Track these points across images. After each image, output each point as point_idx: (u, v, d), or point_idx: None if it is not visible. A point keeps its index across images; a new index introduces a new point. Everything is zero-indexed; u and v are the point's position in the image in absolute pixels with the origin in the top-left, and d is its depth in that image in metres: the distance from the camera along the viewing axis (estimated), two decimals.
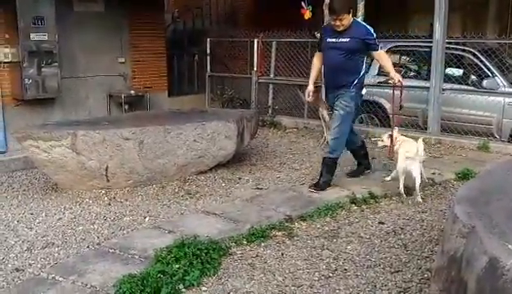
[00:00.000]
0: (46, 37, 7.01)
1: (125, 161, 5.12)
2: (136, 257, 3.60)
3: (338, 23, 4.76)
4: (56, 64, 7.25)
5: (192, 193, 5.15)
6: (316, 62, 5.19)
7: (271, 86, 9.23)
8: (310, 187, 4.96)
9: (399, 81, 4.91)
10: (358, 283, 3.30)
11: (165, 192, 5.21)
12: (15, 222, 4.42)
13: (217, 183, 5.51)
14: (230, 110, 7.81)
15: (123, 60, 8.41)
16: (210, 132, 5.60)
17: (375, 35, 4.88)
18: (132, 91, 8.39)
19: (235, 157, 6.03)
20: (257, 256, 3.71)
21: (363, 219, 4.42)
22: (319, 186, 4.94)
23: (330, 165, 5.00)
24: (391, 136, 5.05)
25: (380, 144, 5.34)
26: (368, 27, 4.90)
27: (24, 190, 5.36)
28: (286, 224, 4.23)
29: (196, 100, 9.69)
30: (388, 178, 5.19)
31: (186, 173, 5.58)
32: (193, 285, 3.28)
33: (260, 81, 9.18)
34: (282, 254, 3.74)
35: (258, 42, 8.99)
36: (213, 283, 3.33)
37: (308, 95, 5.18)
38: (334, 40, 4.87)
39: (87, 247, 3.91)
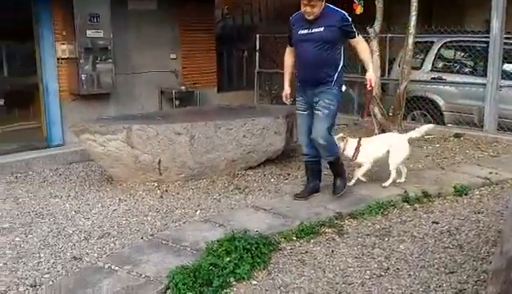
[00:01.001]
0: (101, 34, 7.23)
1: (177, 155, 5.22)
2: (188, 249, 3.67)
3: (308, 9, 4.25)
4: (110, 60, 7.46)
5: (241, 188, 5.19)
6: (289, 59, 4.68)
7: None
8: (334, 193, 4.61)
9: (371, 86, 4.54)
10: (411, 283, 3.24)
11: (215, 186, 5.28)
12: (73, 212, 4.60)
13: (266, 178, 5.53)
14: (278, 106, 7.78)
15: (174, 56, 8.57)
16: (260, 128, 5.63)
17: (350, 20, 4.39)
18: (183, 87, 8.54)
19: (284, 153, 6.03)
20: (306, 252, 3.71)
21: (416, 218, 4.32)
22: (341, 189, 4.60)
23: (336, 165, 4.63)
24: (344, 138, 4.88)
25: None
26: (342, 12, 4.39)
27: (81, 182, 5.56)
28: (336, 221, 4.19)
29: (245, 96, 9.75)
30: (387, 183, 4.87)
31: (236, 168, 5.63)
32: (243, 278, 3.31)
33: None
34: (332, 251, 3.72)
35: None
36: (263, 278, 3.35)
37: (286, 98, 4.77)
38: (306, 31, 4.37)
39: (141, 238, 4.01)
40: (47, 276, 3.37)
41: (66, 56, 7.17)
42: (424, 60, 7.96)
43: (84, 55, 7.16)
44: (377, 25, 7.19)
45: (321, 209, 4.41)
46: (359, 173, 4.93)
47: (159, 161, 5.20)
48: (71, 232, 4.13)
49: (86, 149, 5.60)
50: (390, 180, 4.85)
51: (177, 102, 8.35)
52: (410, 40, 6.99)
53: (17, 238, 3.99)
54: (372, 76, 4.53)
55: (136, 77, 8.15)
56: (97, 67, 7.34)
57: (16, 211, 4.63)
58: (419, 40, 7.58)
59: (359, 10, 7.07)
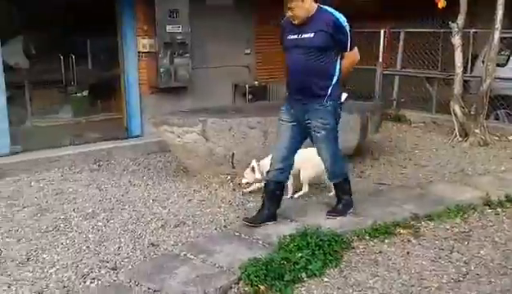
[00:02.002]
0: (180, 29, 7.42)
1: (250, 149, 5.27)
2: (260, 242, 3.72)
3: (289, 13, 3.78)
4: (187, 54, 7.65)
5: (315, 185, 5.16)
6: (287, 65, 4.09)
7: (396, 78, 8.90)
8: (328, 214, 4.15)
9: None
10: (492, 290, 3.09)
11: None
12: (151, 201, 4.78)
13: None
14: (351, 102, 7.64)
15: (248, 51, 8.65)
16: None
17: (347, 27, 3.75)
18: (256, 82, 8.61)
19: (357, 150, 5.93)
20: (380, 252, 3.63)
21: (498, 223, 4.11)
22: (338, 212, 4.15)
23: (343, 187, 4.19)
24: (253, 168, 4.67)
25: (244, 181, 4.83)
26: (338, 15, 3.76)
27: (159, 172, 5.78)
28: (412, 222, 4.07)
29: None
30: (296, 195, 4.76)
31: None
32: (315, 275, 3.30)
33: (385, 73, 8.89)
34: (407, 253, 3.62)
35: (384, 32, 8.71)
36: (334, 275, 3.33)
37: None
38: (295, 36, 3.80)
39: (215, 228, 4.11)
40: (126, 260, 3.54)
41: (146, 50, 7.43)
42: (509, 56, 7.52)
43: (163, 49, 7.38)
44: (460, 20, 6.87)
45: (396, 209, 4.30)
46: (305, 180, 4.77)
47: (233, 154, 5.28)
48: (149, 219, 4.30)
49: (164, 140, 5.80)
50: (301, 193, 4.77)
51: (250, 96, 8.43)
52: (496, 36, 6.62)
53: (99, 223, 4.22)
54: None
55: (211, 71, 8.30)
56: (175, 61, 7.55)
57: (99, 197, 4.89)
58: (505, 35, 7.16)
59: (441, 3, 6.79)
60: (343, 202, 4.20)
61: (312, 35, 3.72)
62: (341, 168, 4.15)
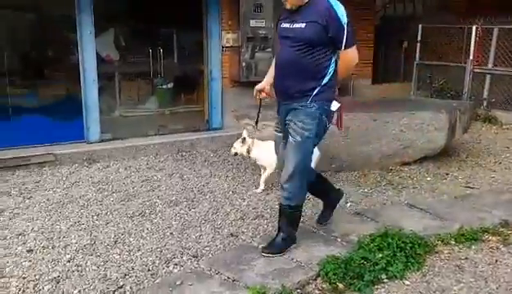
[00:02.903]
0: (263, 24, 7.47)
1: (330, 145, 5.21)
2: (339, 240, 3.67)
3: None
4: (269, 49, 7.69)
5: (395, 184, 5.02)
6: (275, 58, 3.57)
7: (488, 76, 8.41)
8: (263, 250, 3.46)
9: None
10: None
11: (366, 180, 5.18)
12: (230, 192, 4.87)
13: (421, 176, 5.28)
14: (438, 101, 7.37)
15: None
16: (419, 123, 5.37)
17: (345, 20, 3.18)
18: None
19: (443, 151, 5.68)
20: (466, 258, 3.46)
21: None
22: (274, 247, 3.45)
23: (291, 215, 3.47)
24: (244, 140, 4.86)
25: (233, 151, 5.04)
26: (336, 5, 3.19)
27: (238, 164, 5.86)
28: (501, 229, 3.86)
29: (401, 89, 9.36)
30: (261, 188, 4.86)
31: (389, 163, 5.45)
32: (396, 277, 3.22)
33: (475, 71, 8.43)
34: (496, 261, 3.43)
35: (476, 28, 8.25)
36: (416, 279, 3.22)
37: (255, 93, 3.66)
38: (287, 25, 3.32)
39: None
40: (207, 249, 3.63)
41: (230, 45, 7.55)
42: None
43: (246, 43, 7.48)
44: None
45: (484, 214, 4.08)
46: (263, 178, 4.80)
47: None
48: (228, 210, 4.38)
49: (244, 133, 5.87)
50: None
51: None
52: None
53: (182, 211, 4.36)
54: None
55: None
56: (257, 55, 7.61)
57: (181, 186, 5.05)
58: None
59: None
60: (282, 235, 3.46)
61: (303, 25, 3.21)
62: (300, 191, 3.42)
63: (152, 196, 4.73)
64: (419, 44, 9.41)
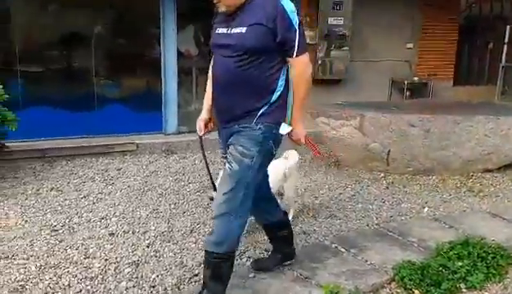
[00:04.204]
0: (341, 22, 7.38)
1: (408, 147, 5.08)
2: (415, 245, 3.57)
3: None
4: (346, 47, 7.59)
5: (475, 192, 4.81)
6: (211, 72, 2.88)
7: None
8: None
9: (298, 140, 2.84)
10: None
11: (446, 185, 5.00)
12: (303, 190, 4.85)
13: (505, 184, 5.02)
14: None
15: (411, 45, 8.28)
16: (505, 128, 5.09)
17: (296, 19, 2.58)
18: (416, 78, 8.22)
19: None
20: None
21: None
22: None
23: (217, 266, 2.69)
24: None
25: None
26: (286, 3, 2.57)
27: (310, 162, 5.84)
28: None
29: (483, 92, 8.91)
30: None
31: (470, 169, 5.23)
32: (475, 287, 3.09)
33: None
34: None
35: None
36: (497, 291, 3.09)
37: (199, 129, 2.95)
38: (224, 30, 2.68)
39: (367, 225, 4.04)
40: None
41: (306, 42, 7.51)
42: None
43: (323, 41, 7.43)
44: None
45: None
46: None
47: (389, 151, 5.13)
48: (301, 207, 4.37)
49: (316, 131, 5.84)
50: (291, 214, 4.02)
51: (408, 93, 8.08)
52: None
53: None
54: (299, 132, 2.80)
55: (369, 65, 8.12)
56: (334, 53, 7.54)
57: None
58: None
59: None
60: (210, 285, 2.71)
61: (244, 30, 2.57)
62: (234, 234, 2.69)
63: None
64: (506, 46, 8.91)
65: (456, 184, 5.01)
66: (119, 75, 6.65)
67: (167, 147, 6.11)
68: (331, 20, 7.32)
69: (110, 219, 4.02)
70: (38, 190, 4.61)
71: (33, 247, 3.45)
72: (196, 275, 3.16)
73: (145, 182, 4.96)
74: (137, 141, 6.04)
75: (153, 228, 3.88)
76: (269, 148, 2.67)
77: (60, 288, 2.95)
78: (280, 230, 3.19)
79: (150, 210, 4.24)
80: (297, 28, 2.57)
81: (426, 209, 4.38)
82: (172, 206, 4.36)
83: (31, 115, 5.66)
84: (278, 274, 3.14)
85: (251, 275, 3.11)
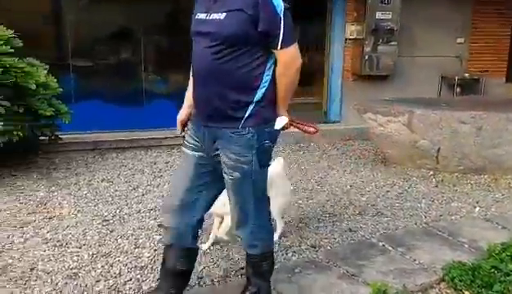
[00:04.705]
0: (389, 16, 7.25)
1: (458, 145, 4.94)
2: (466, 246, 3.48)
3: None
4: (394, 42, 7.44)
5: None
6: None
7: None
8: None
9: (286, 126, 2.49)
10: None
11: (498, 185, 4.84)
12: (348, 187, 4.82)
13: None
14: None
15: (461, 40, 8.04)
16: None
17: (281, 7, 2.28)
18: (467, 74, 7.98)
19: None
20: None
21: None
22: None
23: (256, 265, 2.65)
24: None
25: None
26: None
27: (356, 159, 5.78)
28: None
29: None
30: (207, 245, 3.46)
31: None
32: None
33: None
34: None
35: None
36: None
37: (178, 126, 2.68)
38: (203, 16, 2.39)
39: (415, 223, 3.96)
40: (325, 240, 3.63)
41: (353, 37, 7.43)
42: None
43: (370, 36, 7.31)
44: None
45: None
46: (221, 231, 3.36)
47: (438, 149, 5.01)
48: (347, 204, 4.34)
49: (364, 127, 5.78)
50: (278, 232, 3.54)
51: (459, 90, 7.86)
52: None
53: (300, 201, 4.40)
54: (284, 116, 2.46)
55: (417, 60, 7.94)
56: (381, 49, 7.41)
57: (299, 176, 5.10)
58: None
59: None
60: (251, 289, 2.66)
61: (222, 16, 2.28)
62: (262, 238, 2.60)
63: None
64: None
65: (509, 184, 4.84)
66: (166, 71, 6.77)
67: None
68: (379, 15, 7.19)
69: (159, 210, 4.11)
70: (89, 181, 4.77)
71: (86, 236, 3.57)
72: (242, 269, 3.17)
73: None
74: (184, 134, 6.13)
75: None
76: (266, 147, 2.42)
77: (112, 276, 3.04)
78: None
79: None
80: (282, 15, 2.26)
81: (477, 209, 4.25)
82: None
83: (83, 108, 5.85)
84: (324, 270, 3.13)
85: (297, 270, 3.11)
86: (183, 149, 2.59)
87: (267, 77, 2.35)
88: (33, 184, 4.56)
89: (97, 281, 2.98)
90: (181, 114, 2.66)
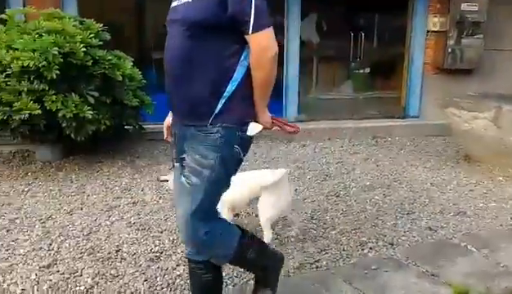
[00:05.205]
0: (475, 8, 6.88)
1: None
2: None
3: None
4: (480, 35, 7.06)
5: None
6: None
7: None
8: None
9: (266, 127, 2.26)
10: None
11: None
12: (429, 184, 4.66)
13: None
14: None
15: None
16: None
17: None
18: None
19: None
20: None
21: None
22: None
23: (201, 281, 2.38)
24: None
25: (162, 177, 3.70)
26: None
27: (437, 156, 5.57)
28: None
29: None
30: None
31: None
32: None
33: None
34: None
35: None
36: None
37: (165, 134, 2.52)
38: (176, 3, 2.22)
39: (500, 225, 3.77)
40: (403, 238, 3.54)
41: (436, 29, 7.12)
42: None
43: (454, 28, 6.98)
44: None
45: None
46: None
47: None
48: (426, 202, 4.20)
49: (446, 123, 5.55)
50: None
51: None
52: None
53: (377, 197, 4.32)
54: (264, 121, 2.23)
55: (505, 54, 7.49)
56: (465, 42, 7.05)
57: (376, 172, 5.00)
58: None
59: None
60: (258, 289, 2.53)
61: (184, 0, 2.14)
62: (225, 246, 2.30)
63: (346, 178, 4.78)
64: None
65: None
66: None
67: (287, 134, 6.17)
68: (464, 6, 6.84)
69: None
70: (170, 169, 4.93)
71: (167, 222, 3.71)
72: (317, 261, 3.19)
73: (266, 168, 5.08)
74: None
75: None
76: (234, 153, 2.15)
77: None
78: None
79: None
80: None
81: None
82: (293, 192, 4.40)
83: (164, 100, 6.05)
84: (401, 268, 3.06)
85: (373, 267, 3.06)
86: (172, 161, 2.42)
87: (241, 70, 2.11)
88: (118, 171, 4.81)
89: (177, 265, 3.09)
90: (168, 118, 2.47)
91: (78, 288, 2.84)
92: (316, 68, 7.76)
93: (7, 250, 3.24)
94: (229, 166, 2.16)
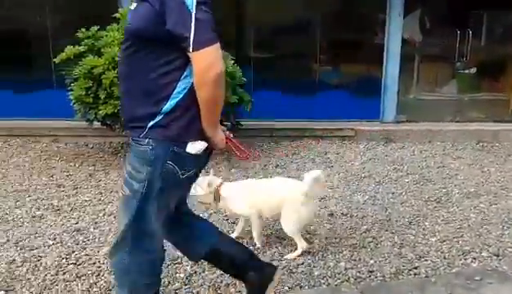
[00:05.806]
0: None
1: None
2: None
3: None
4: None
5: None
6: None
7: None
8: None
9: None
10: None
11: None
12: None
13: None
14: None
15: None
16: None
17: (193, 3, 1.84)
18: None
19: None
20: None
21: None
22: None
23: None
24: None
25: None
26: None
27: None
28: None
29: None
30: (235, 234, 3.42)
31: None
32: None
33: None
34: None
35: None
36: None
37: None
38: (131, 6, 2.07)
39: None
40: (510, 249, 3.32)
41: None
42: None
43: None
44: None
45: None
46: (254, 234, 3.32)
47: None
48: None
49: None
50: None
51: None
52: None
53: (481, 205, 4.08)
54: (217, 141, 2.15)
55: None
56: None
57: (481, 178, 4.72)
58: None
59: None
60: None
61: (133, 7, 2.03)
62: (125, 273, 2.19)
63: (448, 184, 4.56)
64: None
65: None
66: (340, 62, 6.78)
67: (385, 135, 6.04)
68: None
69: (329, 200, 4.16)
70: (265, 166, 5.03)
71: None
72: (416, 268, 3.09)
73: (363, 168, 5.00)
74: (356, 127, 6.11)
75: (370, 214, 3.89)
76: (168, 170, 2.04)
77: (286, 258, 3.17)
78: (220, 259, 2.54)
79: (367, 196, 4.26)
80: (194, 10, 1.86)
81: None
82: (390, 195, 4.30)
83: (261, 97, 6.16)
84: (508, 281, 2.89)
85: (477, 277, 2.91)
86: None
87: (182, 86, 1.99)
88: (216, 165, 4.97)
89: (272, 260, 3.14)
90: None
91: (178, 275, 2.98)
92: (417, 67, 7.47)
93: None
94: (163, 182, 2.05)
